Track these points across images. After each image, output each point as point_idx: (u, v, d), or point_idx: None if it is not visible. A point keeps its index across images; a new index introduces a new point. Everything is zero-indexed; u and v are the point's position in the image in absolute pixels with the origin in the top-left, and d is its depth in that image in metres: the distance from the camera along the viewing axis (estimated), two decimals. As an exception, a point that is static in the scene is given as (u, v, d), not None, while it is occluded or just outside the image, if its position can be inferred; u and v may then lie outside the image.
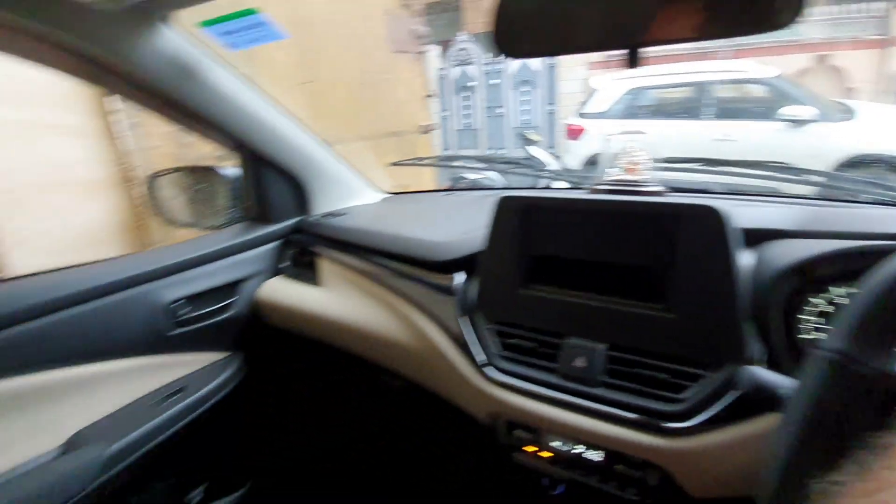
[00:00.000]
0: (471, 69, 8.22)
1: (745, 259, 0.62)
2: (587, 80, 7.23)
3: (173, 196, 1.18)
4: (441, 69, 8.33)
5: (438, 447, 1.12)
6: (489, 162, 1.19)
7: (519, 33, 0.49)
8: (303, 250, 1.09)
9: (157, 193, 1.13)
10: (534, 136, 5.47)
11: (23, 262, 1.47)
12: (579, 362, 0.65)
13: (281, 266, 1.10)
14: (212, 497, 1.11)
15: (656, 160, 1.01)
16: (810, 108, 4.12)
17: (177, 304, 0.96)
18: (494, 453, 0.78)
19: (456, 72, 8.37)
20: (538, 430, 0.71)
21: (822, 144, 3.94)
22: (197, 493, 1.09)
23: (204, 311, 1.00)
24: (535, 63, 7.71)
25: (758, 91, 4.71)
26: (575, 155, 5.11)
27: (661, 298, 0.62)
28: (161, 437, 0.91)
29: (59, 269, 0.89)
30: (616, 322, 0.64)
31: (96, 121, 1.66)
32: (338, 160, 1.17)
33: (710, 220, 0.57)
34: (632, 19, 0.48)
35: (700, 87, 4.91)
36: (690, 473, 0.60)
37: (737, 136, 4.38)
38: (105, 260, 0.96)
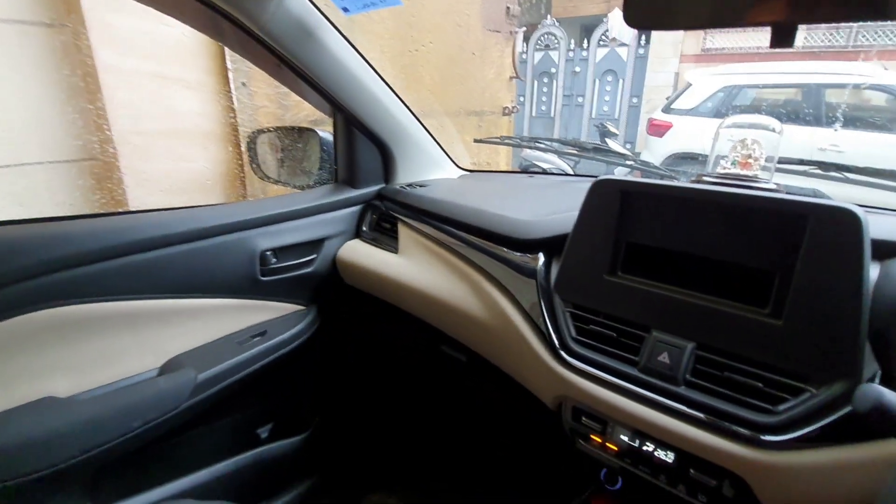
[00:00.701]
0: (553, 55, 7.96)
1: (871, 272, 0.56)
2: (678, 73, 6.78)
3: (271, 153, 1.25)
4: (523, 53, 8.14)
5: (496, 424, 1.13)
6: (574, 146, 1.15)
7: (656, 5, 0.46)
8: (383, 216, 1.12)
9: (257, 150, 1.20)
10: (611, 129, 5.22)
11: (142, 199, 1.64)
12: (663, 358, 0.62)
13: (362, 229, 1.15)
14: (277, 435, 1.19)
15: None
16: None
17: (267, 252, 1.02)
18: (556, 438, 0.78)
19: (537, 57, 8.15)
20: (606, 421, 0.69)
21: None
22: (265, 430, 1.18)
23: (289, 262, 1.06)
24: (623, 52, 7.33)
25: (878, 99, 4.19)
26: (655, 153, 4.84)
27: (765, 302, 0.57)
28: (242, 374, 0.99)
29: (171, 210, 0.98)
30: (709, 321, 0.60)
31: (213, 78, 1.79)
32: (424, 132, 1.18)
33: (847, 225, 0.52)
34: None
35: (808, 89, 4.44)
36: (775, 490, 0.57)
37: (846, 147, 3.94)
38: (209, 206, 1.05)
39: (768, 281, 0.58)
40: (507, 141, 1.16)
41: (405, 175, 1.17)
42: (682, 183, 0.65)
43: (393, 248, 1.06)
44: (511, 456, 1.13)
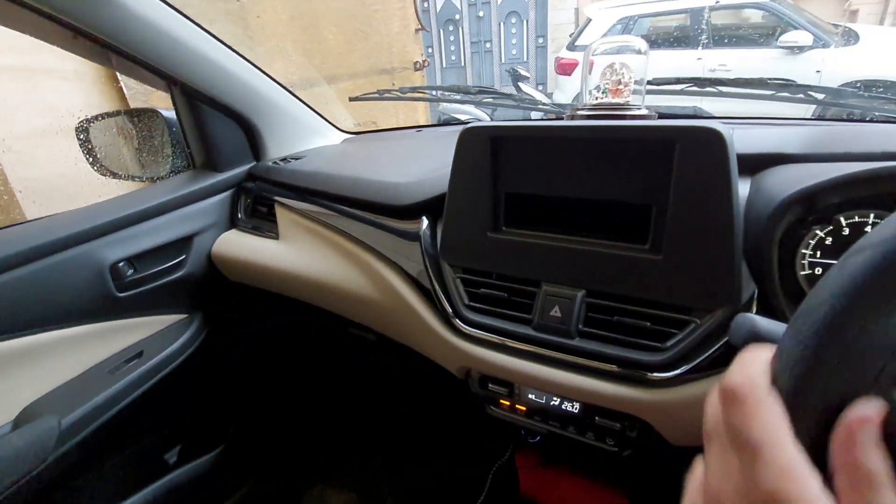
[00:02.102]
0: (455, 0, 7.69)
1: (741, 189, 0.54)
2: (578, 9, 6.80)
3: (113, 144, 1.05)
4: (424, 1, 7.79)
5: (414, 398, 1.08)
6: (465, 93, 1.07)
7: None
8: (258, 199, 0.99)
9: (92, 141, 1.00)
10: (523, 73, 5.17)
11: (44, 210, 1.39)
12: (555, 312, 0.58)
13: (238, 217, 1.01)
14: (189, 457, 1.08)
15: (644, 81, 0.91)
16: (810, 34, 3.90)
17: (120, 264, 0.87)
18: (468, 406, 0.74)
19: (439, 4, 7.83)
20: (512, 384, 0.66)
21: (822, 71, 3.76)
22: (173, 454, 1.06)
23: (153, 270, 0.91)
24: (523, -8, 7.21)
25: (756, 17, 4.44)
26: (567, 91, 4.87)
27: (645, 238, 0.54)
28: (123, 403, 0.86)
29: (-15, 231, 0.80)
30: (596, 266, 0.57)
31: (93, 65, 1.53)
32: (294, 100, 1.04)
33: (712, 145, 0.48)
34: None
35: (695, 13, 4.60)
36: (673, 425, 0.56)
37: (733, 65, 4.17)
38: (36, 220, 0.86)
39: (646, 215, 0.54)
40: (385, 95, 1.05)
41: (278, 149, 1.04)
42: (550, 121, 0.59)
43: (275, 233, 0.95)
44: (433, 426, 1.11)
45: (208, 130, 0.94)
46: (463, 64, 7.85)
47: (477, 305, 0.65)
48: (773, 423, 0.19)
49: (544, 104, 1.05)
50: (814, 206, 0.50)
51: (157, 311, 0.94)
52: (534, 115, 1.34)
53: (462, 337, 0.66)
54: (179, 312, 0.97)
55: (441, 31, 7.98)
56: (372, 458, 1.19)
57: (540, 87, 7.28)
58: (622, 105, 0.64)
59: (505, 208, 0.62)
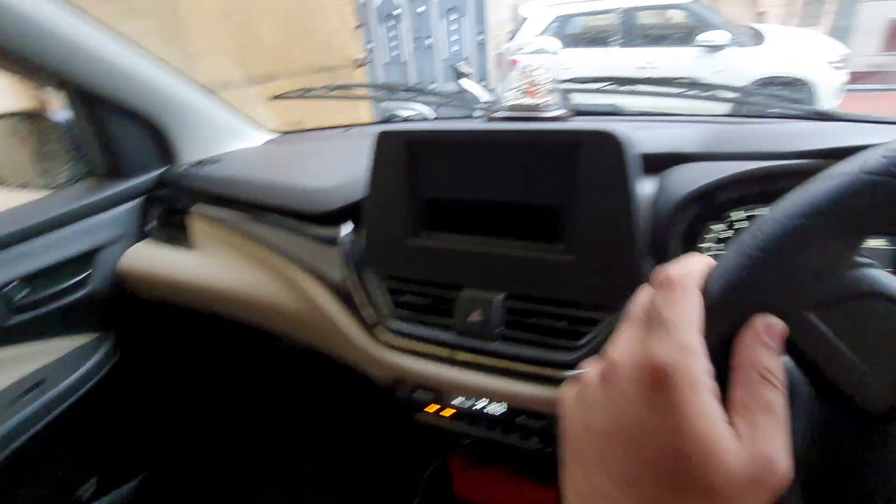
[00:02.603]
0: (394, -5, 7.58)
1: (646, 187, 0.56)
2: (516, 7, 6.92)
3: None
4: (362, -5, 7.62)
5: (339, 407, 1.06)
6: (393, 91, 1.04)
7: None
8: (171, 208, 0.92)
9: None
10: (465, 69, 5.21)
11: None
12: (475, 316, 0.58)
13: (147, 228, 0.93)
14: (106, 489, 1.00)
15: (561, 81, 0.93)
16: (724, 34, 4.20)
17: (10, 286, 0.78)
18: (396, 412, 0.73)
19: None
20: (439, 389, 0.65)
21: (734, 68, 4.06)
22: (87, 487, 0.98)
23: (52, 290, 0.83)
24: (462, -12, 7.23)
25: (678, 17, 4.72)
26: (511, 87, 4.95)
27: (559, 239, 0.55)
28: (24, 438, 0.77)
29: None
30: (513, 269, 0.57)
31: None
32: (209, 100, 0.98)
33: (610, 147, 0.50)
34: None
35: (625, 13, 4.83)
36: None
37: (658, 62, 4.41)
38: None
39: (559, 216, 0.55)
40: (309, 93, 1.00)
41: (192, 152, 0.97)
42: (466, 124, 0.59)
43: (188, 244, 0.88)
44: (362, 434, 1.09)
45: (110, 134, 0.86)
46: (404, 60, 7.77)
47: (401, 313, 0.63)
48: (688, 309, 0.21)
49: (479, 102, 1.05)
50: (712, 202, 0.53)
51: (61, 335, 0.86)
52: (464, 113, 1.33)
53: (386, 346, 0.64)
54: (86, 334, 0.89)
55: (381, 26, 7.86)
56: (300, 469, 1.15)
57: (482, 83, 7.36)
58: (538, 106, 0.65)
59: (424, 213, 0.61)
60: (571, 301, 0.55)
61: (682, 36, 4.50)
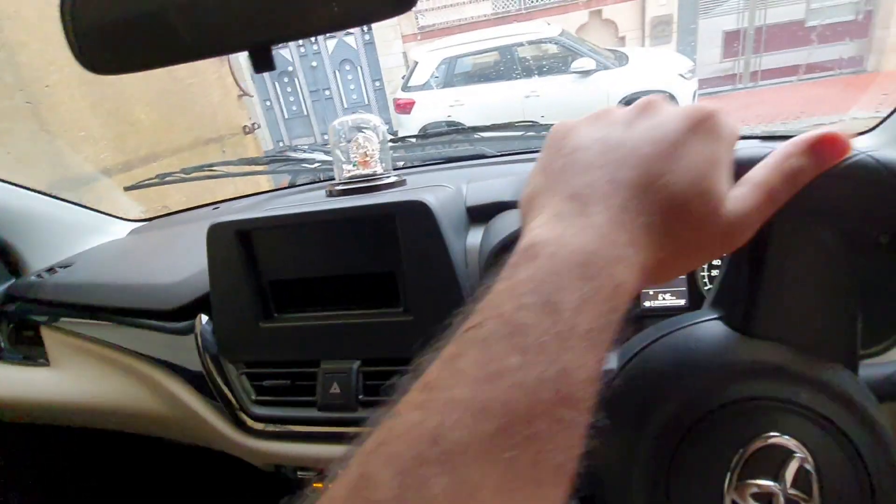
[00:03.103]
0: (284, 53, 7.65)
1: (475, 238, 0.61)
2: (406, 52, 7.25)
3: None
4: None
5: (234, 497, 1.00)
6: (255, 164, 1.05)
7: (110, 45, 0.38)
8: (21, 322, 0.85)
9: None
10: (359, 126, 5.31)
11: None
12: (334, 388, 0.59)
13: (1, 349, 0.85)
14: None
15: (402, 139, 0.99)
16: (592, 60, 4.68)
17: None
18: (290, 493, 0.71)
19: (270, 57, 7.71)
20: (318, 467, 0.65)
21: (605, 89, 4.53)
22: None
23: None
24: (351, 40, 7.48)
25: (551, 49, 5.21)
26: (409, 128, 5.13)
27: (398, 302, 0.58)
28: None
29: None
30: (364, 336, 0.59)
31: None
32: (50, 201, 0.93)
33: (420, 215, 0.54)
34: (258, 16, 0.40)
35: (504, 50, 5.25)
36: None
37: (541, 90, 4.81)
38: None
39: (394, 282, 0.58)
40: (167, 179, 0.99)
41: (42, 258, 0.90)
42: (297, 205, 0.61)
43: (45, 359, 0.82)
44: None
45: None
46: (305, 113, 7.80)
47: (264, 399, 0.63)
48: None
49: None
50: None
51: None
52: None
53: (255, 435, 0.63)
54: None
55: (276, 83, 7.87)
56: None
57: (386, 126, 7.53)
58: (371, 176, 0.69)
59: (273, 296, 0.62)
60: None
61: (558, 65, 4.97)
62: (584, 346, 0.18)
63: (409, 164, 1.01)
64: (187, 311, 0.69)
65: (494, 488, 0.15)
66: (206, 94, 3.55)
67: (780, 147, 0.24)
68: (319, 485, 0.66)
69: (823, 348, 0.28)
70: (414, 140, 1.02)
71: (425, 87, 5.35)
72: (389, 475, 0.15)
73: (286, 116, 7.88)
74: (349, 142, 0.70)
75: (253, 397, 0.63)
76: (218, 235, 0.60)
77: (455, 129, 1.02)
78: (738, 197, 0.23)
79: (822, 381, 0.28)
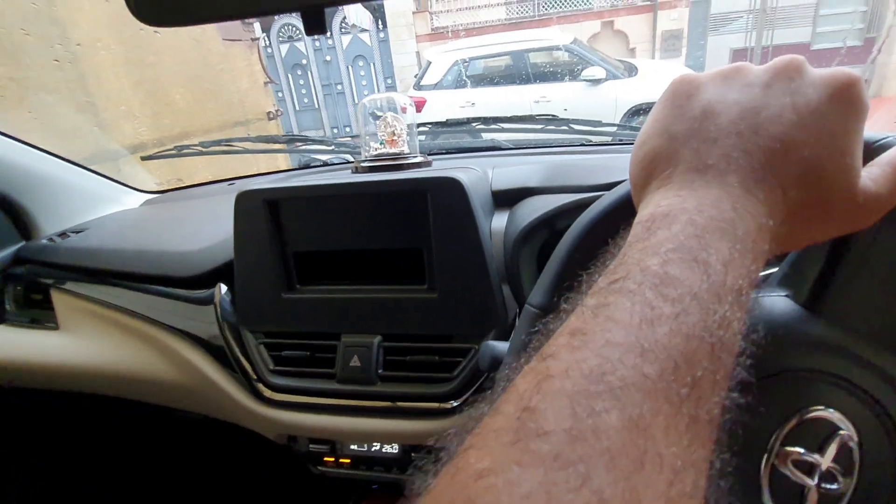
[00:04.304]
0: (299, 46, 7.67)
1: (499, 221, 0.61)
2: (419, 52, 7.27)
3: None
4: (268, 48, 7.63)
5: (249, 472, 1.00)
6: (275, 142, 1.04)
7: None
8: (30, 285, 0.84)
9: None
10: (378, 111, 5.33)
11: None
12: (355, 361, 0.59)
13: (5, 310, 0.84)
14: None
15: (423, 125, 0.99)
16: (602, 69, 4.71)
17: None
18: (297, 467, 0.70)
19: (283, 50, 7.74)
20: (333, 441, 0.64)
21: (614, 98, 4.55)
22: None
23: None
24: (366, 37, 7.50)
25: (562, 56, 5.23)
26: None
27: (423, 279, 0.58)
28: None
29: None
30: (386, 311, 0.59)
31: None
32: (67, 167, 0.92)
33: (454, 192, 0.54)
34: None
35: (517, 55, 5.27)
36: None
37: (551, 96, 4.82)
38: None
39: (420, 258, 0.58)
40: (184, 151, 0.98)
41: (56, 223, 0.90)
42: (324, 180, 0.61)
43: (54, 323, 0.81)
44: (273, 494, 1.03)
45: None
46: (316, 106, 7.81)
47: (282, 369, 0.63)
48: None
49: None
50: (553, 228, 0.59)
51: None
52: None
53: (272, 405, 0.63)
54: None
55: (290, 76, 7.87)
56: None
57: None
58: (398, 155, 0.69)
59: (296, 267, 0.62)
60: (441, 335, 0.58)
61: (569, 72, 4.99)
62: (735, 300, 0.18)
63: (430, 152, 1.01)
64: (205, 280, 0.68)
65: (665, 426, 0.15)
66: (236, 80, 3.80)
67: None
68: (331, 459, 0.66)
69: (889, 338, 0.28)
70: (433, 126, 1.02)
71: (437, 86, 5.37)
72: (558, 407, 0.14)
73: (297, 109, 7.88)
74: (377, 119, 0.70)
75: (271, 367, 0.63)
76: (246, 203, 0.60)
77: (476, 118, 1.02)
78: (873, 177, 0.22)
79: (881, 367, 0.28)
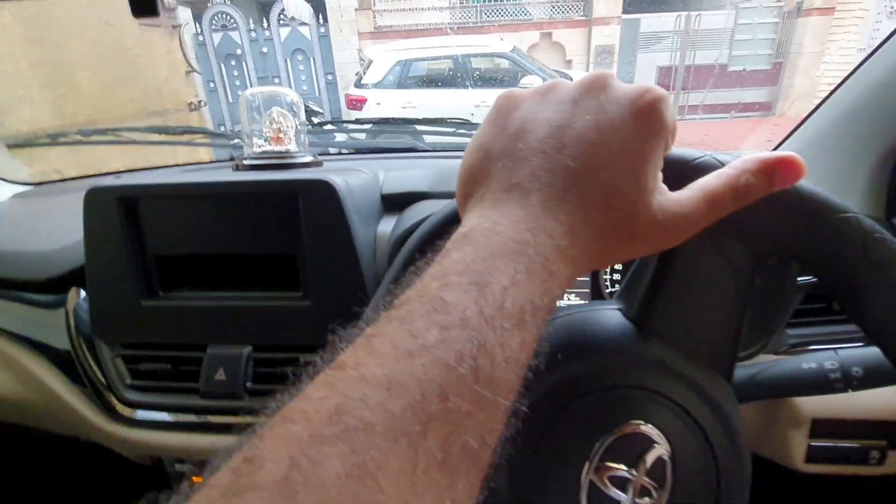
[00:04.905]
0: (234, 35, 7.29)
1: (386, 226, 0.60)
2: (361, 49, 7.16)
3: None
4: (199, 35, 7.19)
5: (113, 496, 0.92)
6: (164, 133, 0.96)
7: None
8: None
9: None
10: (315, 108, 5.18)
11: None
12: (220, 375, 0.55)
13: None
14: None
15: (322, 124, 0.97)
16: (540, 78, 4.86)
17: None
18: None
19: (216, 38, 7.33)
20: (199, 459, 0.60)
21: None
22: None
23: None
24: (306, 31, 7.29)
25: (503, 63, 5.35)
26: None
27: (297, 286, 0.55)
28: None
29: None
30: (258, 320, 0.56)
31: None
32: None
33: (326, 195, 0.52)
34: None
35: (459, 59, 5.32)
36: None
37: (491, 101, 4.85)
38: None
39: (294, 264, 0.55)
40: (60, 140, 0.89)
41: None
42: (199, 177, 0.57)
43: None
44: None
45: None
46: (251, 99, 7.45)
47: (140, 384, 0.57)
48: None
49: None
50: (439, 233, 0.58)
51: None
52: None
53: (128, 424, 0.57)
54: None
55: (223, 66, 7.47)
56: None
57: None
58: (284, 153, 0.66)
59: (158, 272, 0.57)
60: (316, 346, 0.55)
61: (509, 79, 5.11)
62: (510, 326, 0.17)
63: (338, 151, 0.98)
64: (60, 284, 0.61)
65: (397, 470, 0.14)
66: (154, 66, 3.54)
67: (736, 161, 0.24)
68: (199, 479, 0.61)
69: (706, 354, 0.29)
70: (338, 125, 0.99)
71: (378, 85, 5.31)
72: (279, 456, 0.13)
73: (230, 101, 7.48)
74: (262, 115, 0.66)
75: (128, 382, 0.57)
76: (97, 202, 0.54)
77: (386, 120, 1.01)
78: (682, 200, 0.22)
79: (696, 382, 0.29)
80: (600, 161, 0.21)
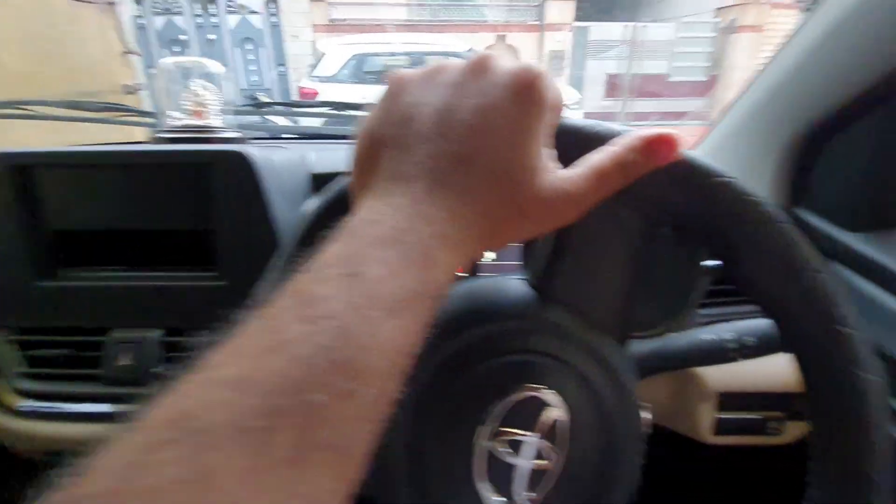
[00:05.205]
0: (178, 20, 6.92)
1: (314, 205, 0.58)
2: (314, 42, 6.99)
3: None
4: (139, 18, 6.76)
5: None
6: (82, 109, 0.88)
7: None
8: None
9: None
10: (264, 99, 5.00)
11: None
12: (125, 360, 0.51)
13: None
14: None
15: (256, 105, 0.93)
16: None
17: None
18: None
19: (159, 22, 6.93)
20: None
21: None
22: None
23: None
24: (256, 20, 7.04)
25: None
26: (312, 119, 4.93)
27: (213, 264, 0.52)
28: None
29: None
30: (169, 301, 0.52)
31: None
32: None
33: (240, 167, 0.49)
34: None
35: (416, 56, 5.31)
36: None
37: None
38: None
39: (209, 241, 0.52)
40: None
41: None
42: (87, 147, 0.53)
43: None
44: None
45: None
46: (196, 88, 7.10)
47: (37, 371, 0.52)
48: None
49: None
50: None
51: None
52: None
53: (19, 415, 0.52)
54: None
55: (166, 51, 7.09)
56: None
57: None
58: (204, 127, 0.62)
59: (59, 249, 0.52)
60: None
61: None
62: (381, 314, 0.17)
63: (276, 136, 0.94)
64: None
65: (241, 471, 0.13)
66: (84, 45, 3.28)
67: (622, 138, 0.24)
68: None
69: (600, 319, 0.30)
70: (281, 107, 0.96)
71: (332, 79, 5.20)
72: (113, 465, 0.13)
73: (171, 88, 7.09)
74: (183, 88, 0.63)
75: (21, 370, 0.52)
76: (-17, 168, 0.49)
77: (330, 103, 0.98)
78: (572, 177, 0.23)
79: (591, 345, 0.29)
80: (483, 144, 0.21)
